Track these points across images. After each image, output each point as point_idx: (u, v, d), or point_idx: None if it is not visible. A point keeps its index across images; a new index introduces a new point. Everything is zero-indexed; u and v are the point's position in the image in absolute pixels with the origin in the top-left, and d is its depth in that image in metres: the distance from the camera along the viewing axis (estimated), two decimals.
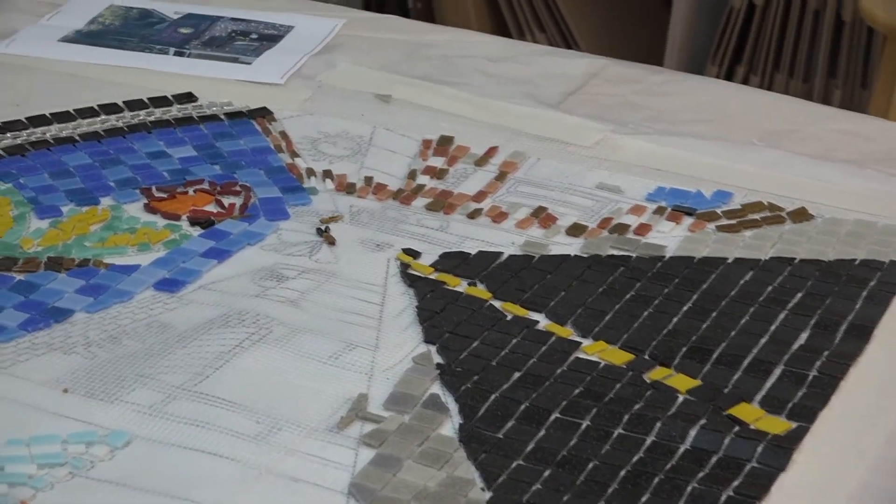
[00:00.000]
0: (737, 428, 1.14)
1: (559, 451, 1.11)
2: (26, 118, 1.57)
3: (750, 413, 1.15)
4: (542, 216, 1.41)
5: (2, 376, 1.20)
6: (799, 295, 1.28)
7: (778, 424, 1.14)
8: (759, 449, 1.12)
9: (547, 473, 1.09)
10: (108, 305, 1.30)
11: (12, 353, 1.23)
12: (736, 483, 1.08)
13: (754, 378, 1.19)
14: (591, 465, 1.10)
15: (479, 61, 1.70)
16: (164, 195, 1.45)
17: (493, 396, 1.18)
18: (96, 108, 1.60)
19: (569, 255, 1.35)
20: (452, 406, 1.17)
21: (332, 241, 1.38)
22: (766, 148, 1.49)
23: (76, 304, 1.30)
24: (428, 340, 1.25)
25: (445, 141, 1.54)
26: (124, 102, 1.60)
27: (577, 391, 1.19)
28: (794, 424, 1.14)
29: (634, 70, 1.70)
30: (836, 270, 1.32)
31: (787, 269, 1.32)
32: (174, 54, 1.71)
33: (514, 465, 1.10)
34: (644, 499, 1.07)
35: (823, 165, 1.46)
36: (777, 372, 1.20)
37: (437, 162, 1.51)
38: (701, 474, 1.09)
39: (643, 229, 1.39)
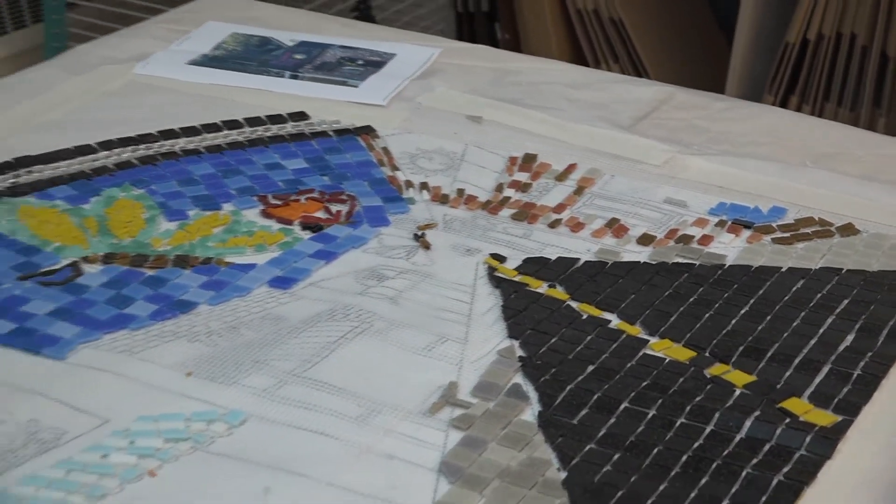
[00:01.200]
0: (787, 420, 1.18)
1: (627, 437, 1.15)
2: (158, 131, 1.61)
3: (799, 406, 1.18)
4: (615, 227, 1.44)
5: (133, 360, 1.24)
6: (845, 302, 1.30)
7: (824, 417, 1.18)
8: (808, 439, 1.15)
9: (616, 457, 1.13)
10: (228, 299, 1.35)
11: (143, 340, 1.27)
12: (786, 469, 1.12)
13: (804, 375, 1.21)
14: (655, 450, 1.13)
15: (559, 87, 1.73)
16: (279, 202, 1.49)
17: (569, 387, 1.21)
18: (220, 123, 1.64)
19: (638, 262, 1.38)
20: (532, 395, 1.21)
21: (427, 246, 1.41)
22: (817, 169, 1.51)
23: (200, 297, 1.34)
24: (512, 336, 1.27)
25: (529, 158, 1.57)
26: (244, 119, 1.64)
27: (644, 384, 1.22)
28: (839, 417, 1.18)
29: (699, 97, 1.72)
30: (879, 280, 1.34)
31: (835, 278, 1.34)
32: (289, 77, 1.75)
33: (586, 448, 1.14)
34: (703, 482, 1.10)
35: (869, 185, 1.47)
36: (825, 370, 1.22)
37: (522, 177, 1.54)
38: (755, 461, 1.12)
39: (706, 240, 1.42)
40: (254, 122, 1.67)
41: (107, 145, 1.61)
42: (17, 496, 1.10)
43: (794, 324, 1.30)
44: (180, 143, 1.61)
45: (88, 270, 1.39)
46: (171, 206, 1.49)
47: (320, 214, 1.48)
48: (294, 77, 1.78)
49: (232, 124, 1.66)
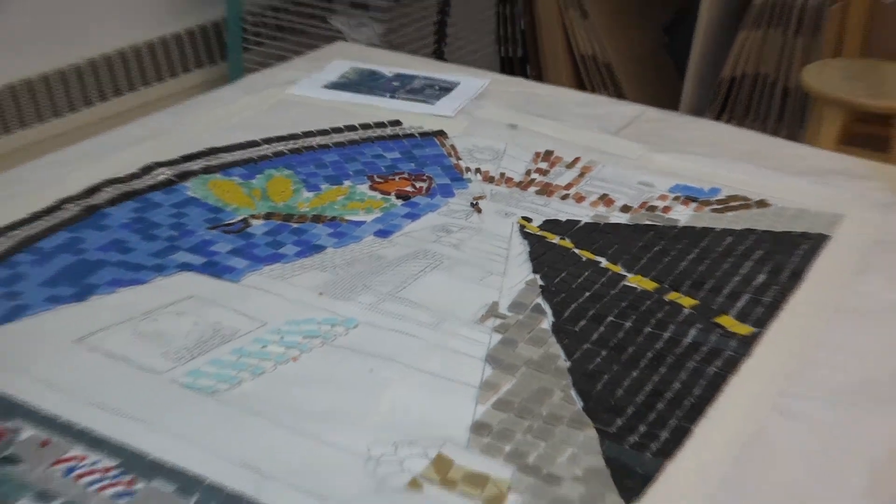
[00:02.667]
0: (719, 330, 1.17)
1: (611, 340, 1.16)
2: (301, 132, 1.62)
3: (728, 321, 1.19)
4: (605, 199, 1.44)
5: (283, 283, 1.26)
6: (759, 252, 1.31)
7: (744, 329, 1.18)
8: (732, 343, 1.15)
9: (604, 353, 1.14)
10: (346, 244, 1.36)
11: (290, 270, 1.29)
12: (718, 363, 1.12)
13: (731, 300, 1.22)
14: (630, 349, 1.15)
15: (569, 106, 1.72)
16: (381, 180, 1.50)
17: (572, 306, 1.22)
18: (342, 127, 1.65)
19: (620, 223, 1.38)
20: (548, 311, 1.22)
21: (479, 210, 1.42)
22: (741, 162, 1.49)
23: (327, 242, 1.36)
24: (535, 271, 1.28)
25: (548, 153, 1.58)
26: (359, 125, 1.66)
27: (623, 304, 1.23)
28: (754, 329, 1.16)
29: (662, 114, 1.72)
30: (782, 238, 1.35)
31: (752, 236, 1.34)
32: (389, 97, 1.75)
33: (584, 347, 1.15)
34: (662, 371, 1.11)
35: (775, 174, 1.47)
36: (745, 297, 1.23)
37: (543, 165, 1.54)
38: (697, 357, 1.13)
39: (666, 209, 1.42)
40: (365, 126, 1.67)
41: (267, 140, 1.62)
42: (207, 374, 1.10)
43: (724, 266, 1.30)
44: (316, 140, 1.62)
45: (254, 223, 1.39)
46: (309, 182, 1.50)
47: (408, 189, 1.49)
48: (392, 97, 1.77)
49: (350, 128, 1.67)
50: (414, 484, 0.96)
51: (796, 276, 1.23)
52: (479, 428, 1.04)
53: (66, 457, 0.98)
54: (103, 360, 1.13)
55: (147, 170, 1.53)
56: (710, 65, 3.37)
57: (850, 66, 2.93)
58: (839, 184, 1.52)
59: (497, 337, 1.14)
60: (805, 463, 0.99)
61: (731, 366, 1.13)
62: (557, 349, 1.16)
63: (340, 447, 1.00)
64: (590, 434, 1.03)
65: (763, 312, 1.17)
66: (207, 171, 1.54)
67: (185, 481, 0.96)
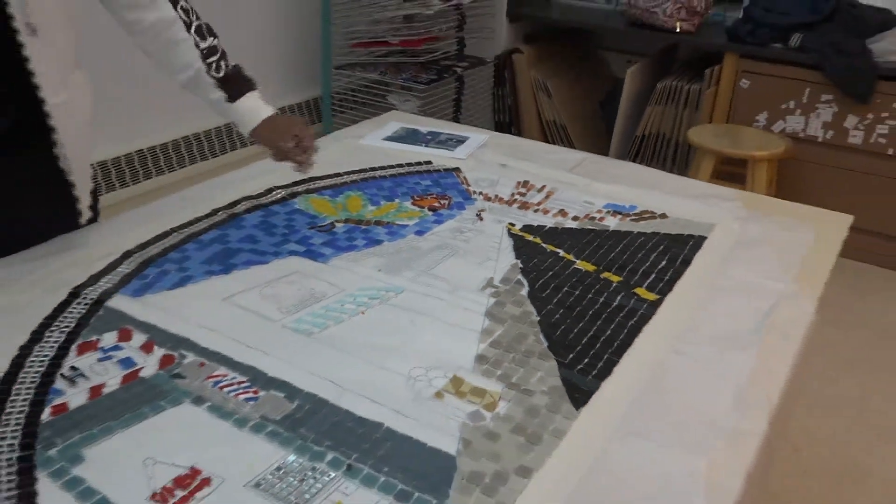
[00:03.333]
0: (636, 297, 1.13)
1: (566, 302, 1.14)
2: (368, 167, 1.63)
3: (641, 291, 1.18)
4: (562, 212, 1.42)
5: (356, 264, 1.25)
6: (661, 247, 1.29)
7: (653, 296, 1.15)
8: (644, 305, 1.12)
9: (561, 311, 1.12)
10: (396, 240, 1.35)
11: (360, 256, 1.29)
12: (635, 318, 1.09)
13: (643, 277, 1.22)
14: (578, 308, 1.13)
15: (539, 153, 1.71)
16: (419, 198, 1.49)
17: (541, 280, 1.21)
18: (394, 164, 1.63)
19: (572, 228, 1.35)
20: (525, 283, 1.19)
21: (481, 219, 1.40)
22: (650, 189, 1.46)
23: (384, 238, 1.36)
24: (517, 258, 1.28)
25: (526, 182, 1.57)
26: (405, 163, 1.63)
27: (574, 279, 1.21)
28: (659, 296, 1.14)
29: (599, 159, 1.70)
30: (676, 238, 1.32)
31: (657, 236, 1.31)
32: (423, 146, 1.74)
33: (548, 307, 1.13)
34: (598, 322, 1.09)
35: (672, 196, 1.45)
36: (652, 275, 1.21)
37: (523, 190, 1.53)
38: (621, 314, 1.11)
39: (601, 219, 1.40)
40: (409, 164, 1.66)
41: (346, 173, 1.61)
42: (306, 321, 1.09)
43: (639, 255, 1.28)
44: (377, 172, 1.61)
45: (338, 226, 1.37)
46: (373, 199, 1.50)
47: (436, 204, 1.47)
48: (426, 146, 1.76)
49: (399, 165, 1.66)
50: (438, 395, 0.95)
51: (685, 263, 1.21)
52: (480, 359, 1.02)
53: (215, 374, 0.98)
54: (240, 312, 1.12)
55: (269, 191, 1.53)
56: (628, 127, 3.37)
57: (718, 129, 2.93)
58: (713, 203, 1.50)
59: (492, 300, 1.13)
60: (691, 385, 0.98)
61: (644, 321, 1.11)
62: (531, 308, 1.14)
63: (391, 370, 0.99)
64: (552, 363, 1.02)
65: (664, 286, 1.16)
66: (308, 191, 1.53)
67: (291, 390, 0.95)
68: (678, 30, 3.13)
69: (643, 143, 3.30)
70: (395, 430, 0.88)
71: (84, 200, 1.26)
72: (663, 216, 1.44)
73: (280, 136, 1.23)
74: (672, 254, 1.30)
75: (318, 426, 0.89)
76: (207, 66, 1.17)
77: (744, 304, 1.15)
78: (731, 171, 2.82)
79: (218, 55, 1.19)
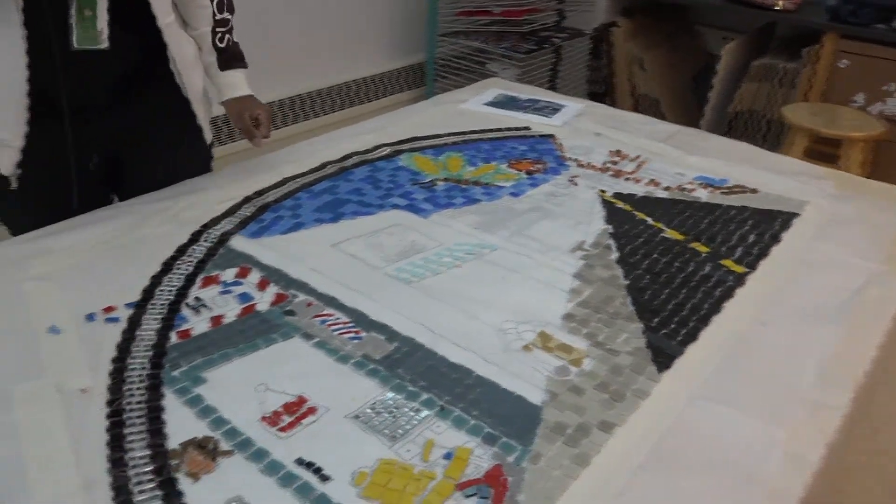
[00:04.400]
0: (723, 268, 1.09)
1: (654, 268, 1.13)
2: (468, 130, 1.63)
3: (729, 263, 1.14)
4: (653, 182, 1.39)
5: (453, 220, 1.25)
6: (751, 221, 1.24)
7: (740, 269, 1.11)
8: (732, 277, 1.08)
9: (649, 277, 1.09)
10: (493, 200, 1.34)
11: (457, 213, 1.29)
12: (721, 289, 1.06)
13: (731, 249, 1.17)
14: (665, 275, 1.10)
15: (633, 123, 1.66)
16: (516, 162, 1.47)
17: (630, 246, 1.17)
18: (493, 128, 1.61)
19: (663, 198, 1.30)
20: (615, 248, 1.16)
21: (575, 184, 1.35)
22: (742, 164, 1.41)
23: (481, 198, 1.35)
24: (608, 223, 1.24)
25: (619, 151, 1.52)
26: (504, 128, 1.62)
27: (662, 247, 1.18)
28: (747, 269, 1.10)
29: (692, 131, 1.63)
30: (766, 213, 1.26)
31: (747, 211, 1.26)
32: (522, 112, 1.70)
33: (636, 272, 1.11)
34: (685, 290, 1.06)
35: (765, 172, 1.40)
36: (741, 249, 1.16)
37: (616, 159, 1.48)
38: (708, 284, 1.07)
39: (692, 191, 1.35)
40: (507, 129, 1.64)
41: (448, 134, 1.60)
42: (406, 271, 1.09)
43: (728, 228, 1.24)
44: (477, 135, 1.60)
45: (438, 184, 1.37)
46: (472, 160, 1.48)
47: (532, 168, 1.44)
48: (524, 112, 1.73)
49: (498, 129, 1.64)
50: (527, 348, 0.94)
51: (775, 238, 1.16)
52: (568, 317, 1.01)
53: (322, 313, 0.99)
54: (346, 258, 1.13)
55: (376, 147, 1.53)
56: (721, 103, 3.24)
57: (814, 107, 2.77)
58: (806, 181, 1.43)
59: (582, 262, 1.11)
60: (775, 356, 0.94)
61: (730, 292, 1.08)
62: (619, 272, 1.12)
63: (483, 321, 0.99)
64: (637, 326, 0.99)
65: (752, 259, 1.11)
66: (412, 150, 1.53)
67: (390, 333, 0.96)
68: (779, 8, 2.97)
69: (735, 120, 3.17)
70: (485, 378, 0.88)
71: (204, 122, 1.31)
72: (755, 191, 1.38)
73: (244, 111, 1.27)
74: (762, 228, 1.24)
75: (414, 368, 0.89)
76: (214, 33, 1.23)
77: (832, 281, 1.10)
78: (823, 152, 2.68)
79: (226, 29, 1.26)
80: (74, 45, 1.06)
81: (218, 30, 1.23)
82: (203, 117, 1.28)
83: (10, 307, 0.98)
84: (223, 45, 1.25)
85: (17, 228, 1.21)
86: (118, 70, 1.16)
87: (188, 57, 1.21)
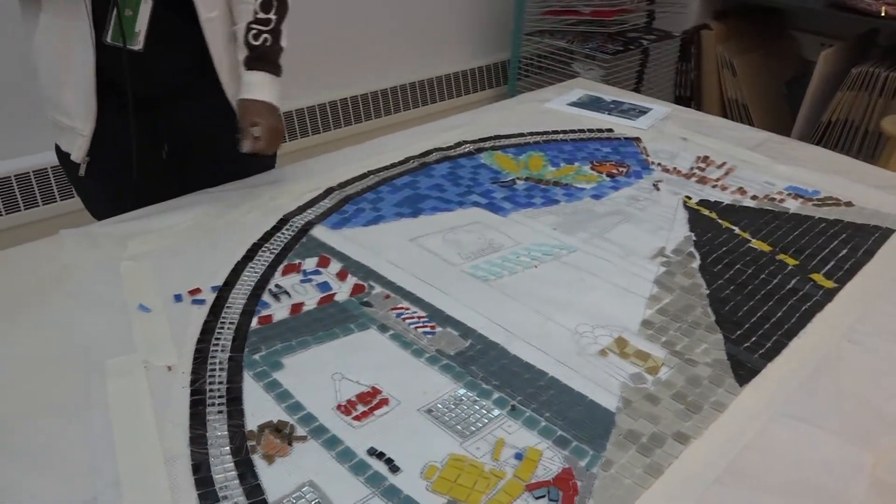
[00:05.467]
0: (812, 282, 1.05)
1: (738, 279, 1.09)
2: (551, 130, 1.60)
3: (818, 278, 1.09)
4: (741, 190, 1.35)
5: (534, 221, 1.24)
6: (843, 235, 1.18)
7: (830, 284, 1.06)
8: (820, 292, 1.03)
9: (732, 287, 1.06)
10: (573, 201, 1.31)
11: (536, 213, 1.28)
12: (808, 304, 1.02)
13: (821, 263, 1.12)
14: (749, 287, 1.08)
15: (721, 129, 1.61)
16: (598, 164, 1.45)
17: (714, 255, 1.15)
18: (577, 129, 1.60)
19: (751, 207, 1.27)
20: (697, 256, 1.14)
21: (658, 189, 1.33)
22: (836, 175, 1.36)
23: (561, 198, 1.33)
24: (691, 230, 1.22)
25: (706, 157, 1.48)
26: (587, 129, 1.60)
27: (748, 258, 1.14)
28: (836, 285, 1.05)
29: (783, 139, 1.58)
30: (860, 227, 1.21)
31: (840, 224, 1.20)
32: (606, 114, 1.67)
33: (719, 282, 1.09)
34: (770, 303, 1.03)
35: (860, 185, 1.34)
36: (832, 262, 1.11)
37: (702, 165, 1.44)
38: (795, 298, 1.03)
39: (781, 201, 1.31)
40: (591, 130, 1.62)
41: (530, 133, 1.60)
42: (483, 269, 1.09)
43: (819, 241, 1.19)
44: (560, 136, 1.58)
45: (519, 183, 1.36)
46: (553, 161, 1.47)
47: (615, 171, 1.42)
48: (609, 114, 1.71)
49: (581, 131, 1.63)
50: (603, 353, 0.93)
51: (869, 254, 1.12)
52: (646, 324, 0.99)
53: (398, 306, 1.00)
54: (424, 253, 1.14)
55: (458, 145, 1.54)
56: (814, 111, 3.11)
57: None
58: None
59: (662, 269, 1.09)
60: (863, 376, 0.90)
61: (818, 307, 1.03)
62: (701, 281, 1.09)
63: (559, 323, 0.98)
64: (718, 337, 0.97)
65: (843, 274, 1.07)
66: (494, 148, 1.53)
67: (465, 329, 0.96)
68: (883, 14, 2.83)
69: (828, 130, 3.04)
70: (559, 380, 0.87)
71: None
72: (849, 204, 1.32)
73: (246, 115, 1.18)
74: (855, 243, 1.18)
75: (487, 366, 0.89)
76: (249, 29, 1.17)
77: None
78: None
79: (266, 28, 1.18)
80: (108, 39, 1.08)
81: (254, 27, 1.17)
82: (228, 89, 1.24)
83: (108, 284, 1.02)
84: (256, 43, 1.18)
85: (97, 213, 1.27)
86: (180, 66, 1.18)
87: (227, 59, 1.20)
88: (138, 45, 1.10)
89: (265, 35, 1.18)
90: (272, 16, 1.18)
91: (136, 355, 0.88)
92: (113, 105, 1.13)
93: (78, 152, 1.15)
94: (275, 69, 1.20)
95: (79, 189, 1.24)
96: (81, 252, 1.09)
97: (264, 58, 1.19)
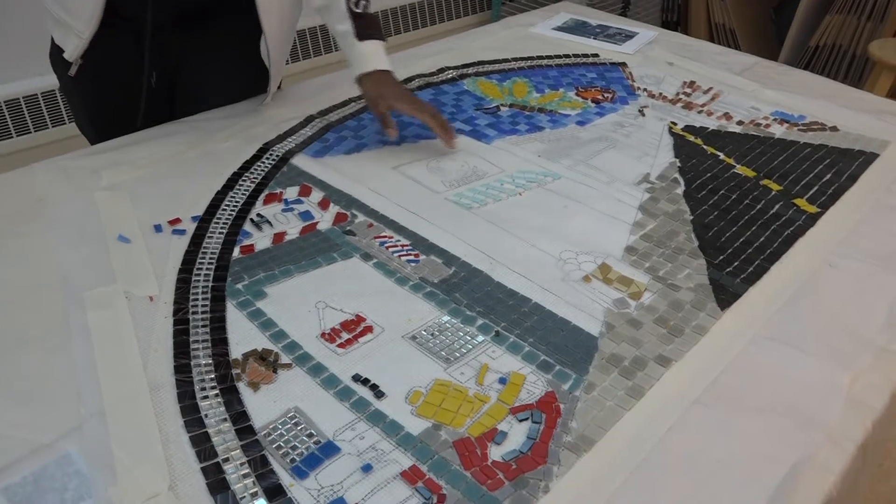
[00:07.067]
0: (795, 207, 1.05)
1: (721, 205, 1.09)
2: (536, 55, 1.57)
3: (801, 202, 1.09)
4: (726, 115, 1.33)
5: (518, 148, 1.23)
6: (828, 160, 1.18)
7: (812, 209, 1.06)
8: (804, 217, 1.04)
9: (715, 213, 1.06)
10: (558, 128, 1.29)
11: (521, 140, 1.27)
12: (791, 228, 1.02)
13: (805, 188, 1.11)
14: (733, 212, 1.07)
15: (708, 53, 1.59)
16: (583, 90, 1.42)
17: (698, 181, 1.14)
18: (562, 54, 1.57)
19: (735, 132, 1.25)
20: (682, 182, 1.13)
21: (643, 115, 1.31)
22: (822, 100, 1.34)
23: (546, 125, 1.33)
24: (676, 156, 1.20)
25: (692, 83, 1.46)
26: (573, 54, 1.58)
27: (732, 183, 1.14)
28: (819, 210, 1.05)
29: (771, 64, 1.56)
30: (845, 152, 1.20)
31: (824, 149, 1.20)
32: (592, 38, 1.64)
33: (703, 207, 1.08)
34: (753, 228, 1.03)
35: (845, 109, 1.33)
36: (815, 188, 1.10)
37: (688, 90, 1.43)
38: (778, 223, 1.04)
39: (767, 126, 1.29)
40: (576, 55, 1.59)
41: (514, 59, 1.57)
42: (467, 196, 1.08)
43: (803, 166, 1.19)
44: (545, 61, 1.55)
45: (503, 109, 1.34)
46: (538, 87, 1.44)
47: (600, 97, 1.39)
48: (595, 38, 1.67)
49: (566, 56, 1.59)
50: (586, 279, 0.93)
51: (852, 179, 1.11)
52: (630, 250, 0.99)
53: (381, 235, 1.00)
54: (407, 181, 1.13)
55: (441, 71, 1.51)
56: (801, 36, 3.07)
57: None
58: (889, 120, 1.35)
59: (647, 195, 1.09)
60: (843, 298, 0.91)
61: (801, 232, 1.03)
62: (685, 207, 1.09)
63: (542, 249, 0.98)
64: (701, 262, 0.97)
65: (826, 199, 1.07)
66: (477, 74, 1.50)
67: (449, 257, 0.96)
68: None
69: (816, 55, 3.01)
70: (542, 306, 0.87)
71: (274, 76, 1.28)
72: (834, 129, 1.31)
73: (380, 96, 1.14)
74: (839, 168, 1.18)
75: (471, 293, 0.89)
76: None
77: None
78: None
79: None
80: None
81: None
82: (275, 71, 1.22)
83: (84, 215, 1.00)
84: (359, 11, 1.11)
85: (78, 120, 1.24)
86: None
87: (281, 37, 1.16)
88: None
89: (363, 2, 1.12)
90: None
91: (116, 286, 0.88)
92: (119, 23, 1.08)
93: (72, 52, 1.08)
94: (381, 35, 1.15)
95: (65, 88, 1.18)
96: (55, 184, 1.07)
97: (372, 25, 1.12)
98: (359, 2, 1.11)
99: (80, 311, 0.83)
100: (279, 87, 1.38)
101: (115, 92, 1.15)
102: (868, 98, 1.48)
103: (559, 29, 1.75)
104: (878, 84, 2.51)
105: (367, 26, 1.11)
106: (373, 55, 1.12)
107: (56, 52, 1.12)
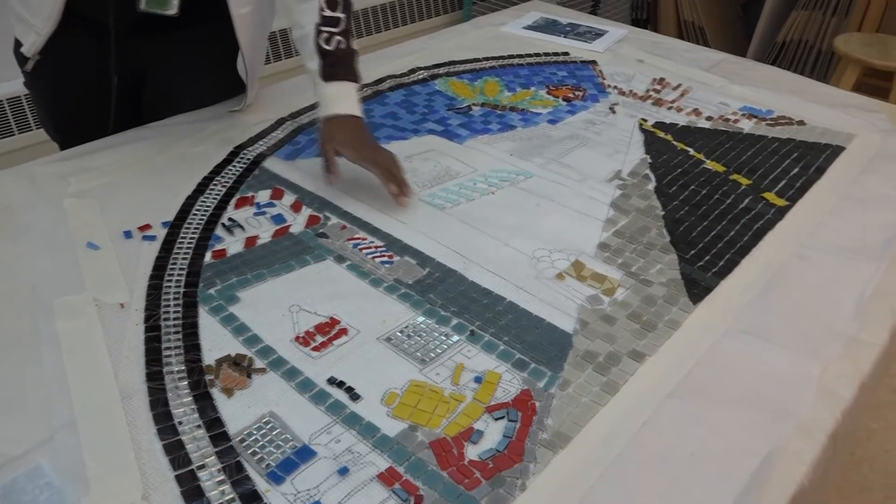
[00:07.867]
0: (764, 200, 1.06)
1: (692, 200, 1.10)
2: (505, 55, 1.57)
3: (770, 196, 1.10)
4: (696, 111, 1.34)
5: (490, 147, 1.22)
6: (795, 154, 1.19)
7: (781, 202, 1.07)
8: (773, 210, 1.04)
9: (686, 208, 1.07)
10: (529, 126, 1.30)
11: (492, 139, 1.27)
12: (761, 222, 1.03)
13: (773, 182, 1.13)
14: (704, 207, 1.08)
15: (677, 51, 1.59)
16: (554, 88, 1.42)
17: (669, 176, 1.15)
18: (533, 53, 1.57)
19: (705, 128, 1.26)
20: (653, 178, 1.13)
21: (614, 112, 1.31)
22: (788, 95, 1.35)
23: (517, 124, 1.33)
24: (647, 153, 1.20)
25: (662, 79, 1.47)
26: (543, 53, 1.57)
27: (702, 178, 1.15)
28: (788, 203, 1.07)
29: (738, 60, 1.57)
30: (813, 146, 1.21)
31: (792, 143, 1.21)
32: (562, 37, 1.65)
33: (674, 203, 1.09)
34: (724, 222, 1.04)
35: (812, 104, 1.34)
36: (783, 181, 1.11)
37: (658, 87, 1.43)
38: (747, 216, 1.05)
39: (736, 121, 1.30)
40: (547, 54, 1.60)
41: (485, 58, 1.57)
42: (440, 196, 1.08)
43: (772, 160, 1.20)
44: (515, 60, 1.55)
45: (474, 109, 1.34)
46: (509, 86, 1.44)
47: (571, 95, 1.40)
48: (565, 37, 1.68)
49: (537, 54, 1.59)
50: (560, 276, 0.93)
51: (819, 172, 1.12)
52: (602, 246, 0.99)
53: (355, 236, 0.99)
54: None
55: (412, 71, 1.50)
56: (769, 32, 3.11)
57: (867, 38, 2.65)
58: (854, 114, 1.37)
59: (618, 191, 1.09)
60: (812, 290, 0.92)
61: (770, 225, 1.05)
62: (656, 202, 1.09)
63: (516, 248, 0.98)
64: (673, 257, 0.98)
65: (794, 192, 1.08)
66: (448, 74, 1.50)
67: (422, 258, 0.96)
68: None
69: (783, 50, 3.05)
70: (517, 304, 0.88)
71: (250, 83, 1.27)
72: (801, 123, 1.33)
73: (330, 139, 1.05)
74: (806, 161, 1.19)
75: (445, 293, 0.89)
76: (318, 33, 1.02)
77: (876, 217, 1.06)
78: (875, 85, 2.58)
79: (337, 30, 1.03)
80: (142, 6, 1.02)
81: (324, 29, 1.02)
82: (251, 81, 1.20)
83: (52, 222, 0.99)
84: (329, 48, 1.02)
85: (55, 138, 1.22)
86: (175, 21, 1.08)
87: (257, 51, 1.17)
88: (173, 10, 1.02)
89: (336, 38, 1.03)
90: (340, 14, 1.03)
91: (86, 293, 0.86)
92: (81, 24, 1.05)
93: (29, 47, 1.06)
94: (354, 77, 1.05)
95: (26, 84, 1.16)
96: (21, 191, 1.05)
97: (342, 63, 1.03)
98: (330, 38, 1.02)
99: (49, 320, 0.82)
100: None
101: (75, 92, 1.12)
102: (834, 92, 1.50)
103: (530, 28, 1.75)
104: (843, 78, 2.55)
105: (334, 64, 1.03)
106: (337, 98, 1.03)
107: (18, 45, 1.10)
